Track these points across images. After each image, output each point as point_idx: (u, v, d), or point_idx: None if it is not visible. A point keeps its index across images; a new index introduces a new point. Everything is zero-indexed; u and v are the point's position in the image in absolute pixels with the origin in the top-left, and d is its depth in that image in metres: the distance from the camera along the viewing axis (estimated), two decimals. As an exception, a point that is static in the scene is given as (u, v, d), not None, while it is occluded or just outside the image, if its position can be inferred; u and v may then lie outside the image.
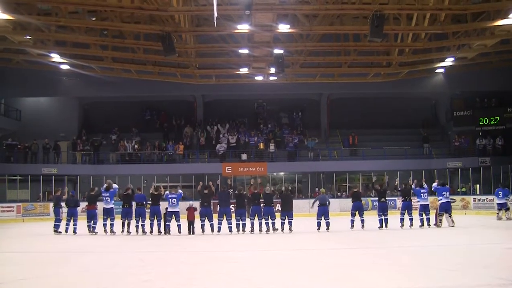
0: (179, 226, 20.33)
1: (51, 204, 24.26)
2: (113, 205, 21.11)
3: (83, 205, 23.88)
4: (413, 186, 21.95)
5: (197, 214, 20.82)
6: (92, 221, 20.95)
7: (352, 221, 21.19)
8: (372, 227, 21.01)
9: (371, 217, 22.57)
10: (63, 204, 21.87)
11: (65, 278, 10.38)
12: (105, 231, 20.80)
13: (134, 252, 15.07)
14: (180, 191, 21.37)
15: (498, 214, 25.74)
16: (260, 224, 20.39)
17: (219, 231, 20.14)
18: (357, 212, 21.30)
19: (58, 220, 21.37)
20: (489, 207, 31.65)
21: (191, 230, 20.25)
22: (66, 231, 20.98)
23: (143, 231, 20.41)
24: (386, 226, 20.97)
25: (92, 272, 11.13)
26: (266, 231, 20.21)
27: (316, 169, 37.16)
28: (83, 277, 10.50)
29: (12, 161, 35.61)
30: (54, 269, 11.39)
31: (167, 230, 20.35)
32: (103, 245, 17.37)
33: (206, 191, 20.82)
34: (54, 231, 21.10)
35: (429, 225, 21.12)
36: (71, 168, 36.24)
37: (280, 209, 21.59)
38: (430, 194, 22.53)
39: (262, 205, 20.71)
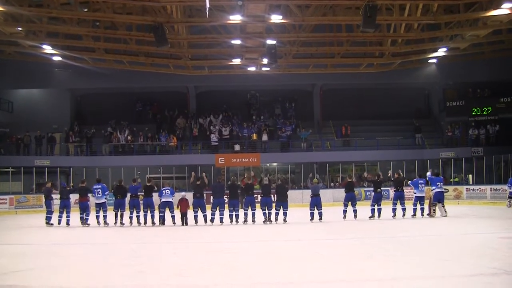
0: (173, 217, 20.36)
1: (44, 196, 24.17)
2: (105, 200, 21.08)
3: (74, 197, 23.84)
4: (409, 183, 22.06)
5: (190, 206, 20.85)
6: (84, 213, 20.93)
7: (345, 211, 21.22)
8: (365, 217, 21.07)
9: (364, 207, 22.60)
10: (54, 196, 21.80)
11: (57, 270, 10.37)
12: (98, 222, 20.82)
13: (127, 243, 15.07)
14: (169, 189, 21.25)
15: (509, 202, 25.96)
16: (254, 214, 20.41)
17: (212, 221, 20.16)
18: (349, 202, 21.35)
19: (50, 212, 21.31)
20: (482, 197, 31.81)
21: (184, 221, 20.28)
22: (59, 223, 20.94)
23: (138, 222, 20.43)
24: (379, 216, 21.06)
25: (84, 264, 11.11)
26: (263, 222, 20.28)
27: (309, 159, 37.15)
28: (76, 268, 10.48)
29: (3, 153, 35.48)
30: (46, 261, 11.38)
31: (161, 221, 20.38)
32: (95, 237, 17.36)
33: (198, 182, 20.90)
34: (46, 223, 21.06)
35: (422, 215, 21.24)
36: (64, 160, 36.10)
37: (275, 200, 21.60)
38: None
39: (260, 196, 20.93)
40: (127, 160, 35.77)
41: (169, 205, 20.44)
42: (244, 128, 38.16)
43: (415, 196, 21.58)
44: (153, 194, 20.84)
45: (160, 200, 20.64)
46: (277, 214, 20.43)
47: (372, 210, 21.25)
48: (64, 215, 21.06)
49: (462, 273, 9.10)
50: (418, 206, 21.36)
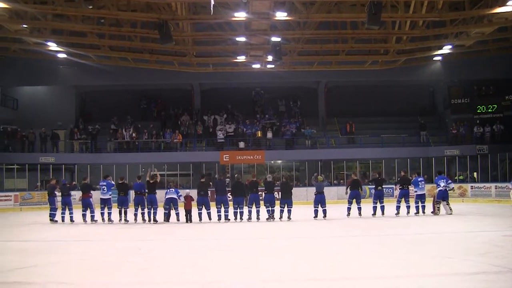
0: (177, 214, 20.47)
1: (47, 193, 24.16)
2: (110, 196, 21.11)
3: (77, 194, 23.85)
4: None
5: (194, 203, 20.88)
6: (88, 210, 20.94)
7: (349, 209, 21.25)
8: (369, 215, 21.09)
9: (369, 205, 22.59)
10: (57, 193, 21.83)
11: (62, 266, 10.39)
12: (103, 219, 20.85)
13: (131, 240, 15.10)
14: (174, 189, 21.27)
15: None
16: (258, 212, 20.42)
17: (219, 219, 20.19)
18: (354, 200, 21.38)
19: (53, 209, 21.38)
20: (487, 195, 31.70)
21: (188, 218, 20.34)
22: (63, 220, 21.01)
23: (143, 220, 20.46)
24: (383, 213, 21.10)
25: (88, 261, 11.14)
26: (267, 219, 20.30)
27: (314, 157, 37.04)
28: (80, 265, 10.51)
29: (10, 150, 35.55)
30: (50, 258, 11.39)
31: (165, 218, 20.42)
32: (99, 234, 17.40)
33: (202, 180, 20.96)
34: (50, 220, 21.14)
35: (423, 212, 21.25)
36: (69, 157, 36.13)
37: (279, 197, 21.63)
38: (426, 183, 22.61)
39: (264, 193, 21.01)
40: (131, 157, 35.80)
41: (173, 201, 20.51)
42: (248, 125, 38.14)
43: (416, 194, 21.62)
44: (156, 191, 20.86)
45: (165, 197, 20.67)
46: (281, 211, 20.46)
47: (374, 208, 21.37)
48: (67, 212, 21.11)
49: (467, 271, 9.09)
50: (420, 204, 21.39)
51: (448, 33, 29.35)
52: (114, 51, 32.20)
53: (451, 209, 21.36)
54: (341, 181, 36.47)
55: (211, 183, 26.47)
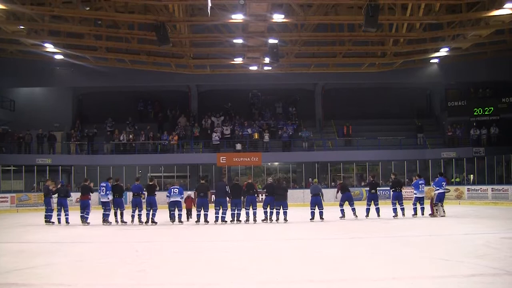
0: (179, 215, 20.68)
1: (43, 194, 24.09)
2: (108, 199, 21.05)
3: (75, 195, 23.79)
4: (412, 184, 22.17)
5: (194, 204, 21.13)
6: (85, 212, 20.91)
7: (342, 211, 21.24)
8: (364, 217, 21.15)
9: (364, 207, 22.63)
10: (53, 194, 21.78)
11: (59, 268, 10.36)
12: (103, 221, 20.81)
13: (129, 242, 15.06)
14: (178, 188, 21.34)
15: None
16: (255, 214, 20.45)
17: (216, 220, 20.25)
18: (346, 202, 21.44)
19: (49, 210, 21.27)
20: (483, 197, 31.73)
21: (188, 215, 21.02)
22: (59, 222, 20.93)
23: (140, 221, 20.48)
24: (378, 215, 21.14)
25: (85, 262, 11.12)
26: (262, 220, 20.46)
27: (311, 159, 37.11)
28: (76, 267, 10.48)
29: (4, 151, 35.46)
30: (46, 260, 11.36)
31: (173, 219, 20.62)
32: (96, 235, 17.34)
33: (202, 181, 21.13)
34: (46, 221, 21.05)
35: (422, 214, 21.35)
36: (66, 159, 36.08)
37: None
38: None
39: (265, 194, 21.19)
40: (128, 159, 35.78)
41: (177, 204, 20.71)
42: (245, 127, 38.13)
43: (415, 197, 21.73)
44: (156, 193, 20.94)
45: (169, 199, 20.73)
46: (277, 213, 20.49)
47: (367, 210, 21.53)
48: (63, 213, 21.07)
49: (463, 273, 9.09)
50: (418, 206, 21.47)
51: (445, 35, 29.41)
52: (111, 53, 32.20)
53: (444, 212, 21.44)
54: (332, 183, 36.49)
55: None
